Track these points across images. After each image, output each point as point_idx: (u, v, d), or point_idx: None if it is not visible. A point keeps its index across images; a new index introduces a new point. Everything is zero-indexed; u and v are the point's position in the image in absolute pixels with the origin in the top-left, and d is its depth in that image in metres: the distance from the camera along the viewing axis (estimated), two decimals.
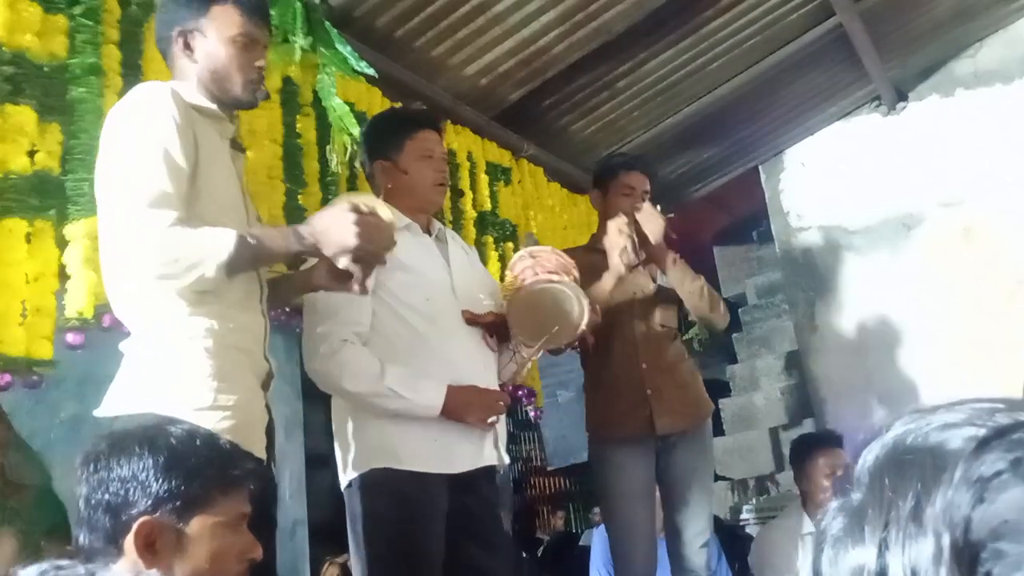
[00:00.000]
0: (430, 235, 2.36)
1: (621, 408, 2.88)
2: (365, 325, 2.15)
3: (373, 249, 1.75)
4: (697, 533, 2.91)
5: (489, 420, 2.21)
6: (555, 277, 2.29)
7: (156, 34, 1.92)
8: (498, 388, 2.34)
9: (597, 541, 4.06)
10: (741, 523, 4.87)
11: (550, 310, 2.27)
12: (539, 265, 2.30)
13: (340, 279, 1.86)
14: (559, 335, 2.31)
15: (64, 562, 1.11)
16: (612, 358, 2.90)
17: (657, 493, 2.98)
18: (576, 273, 2.36)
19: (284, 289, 2.04)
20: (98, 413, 1.65)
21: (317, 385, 2.17)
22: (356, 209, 1.71)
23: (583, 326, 2.30)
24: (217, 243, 1.61)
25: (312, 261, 1.94)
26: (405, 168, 2.32)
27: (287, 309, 2.38)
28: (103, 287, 2.05)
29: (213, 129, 1.82)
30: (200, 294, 1.66)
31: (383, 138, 2.38)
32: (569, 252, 3.08)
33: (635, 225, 2.79)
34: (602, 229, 2.98)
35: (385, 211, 1.84)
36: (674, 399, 2.90)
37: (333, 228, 1.70)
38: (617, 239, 2.74)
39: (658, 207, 2.84)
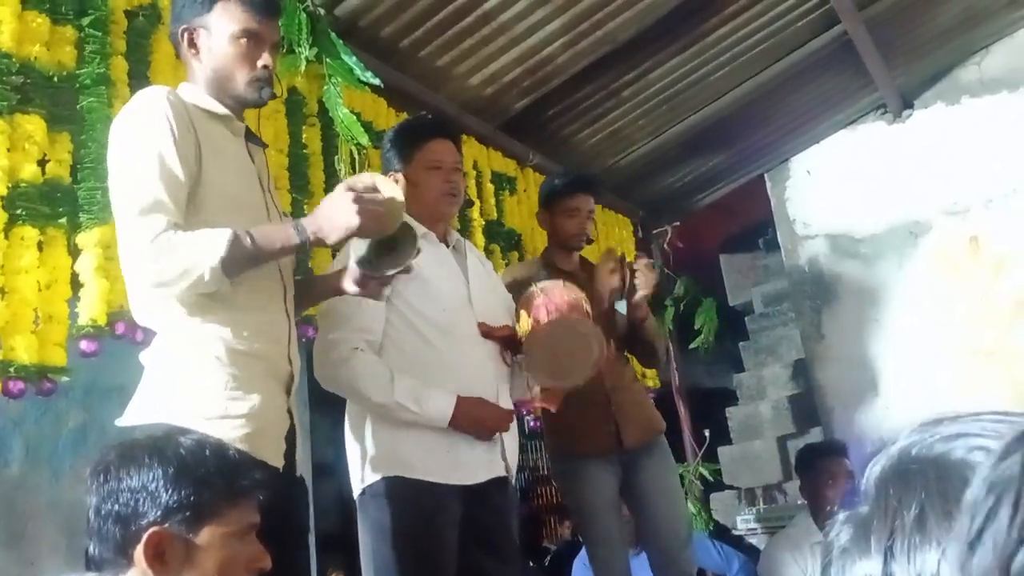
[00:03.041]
0: (447, 245, 2.36)
1: (588, 424, 2.89)
2: (377, 333, 2.16)
3: (376, 226, 1.70)
4: (680, 547, 2.92)
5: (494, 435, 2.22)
6: (571, 317, 2.28)
7: (169, 32, 1.91)
8: (510, 402, 2.34)
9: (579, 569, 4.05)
10: (748, 533, 4.85)
11: (565, 351, 2.26)
12: (551, 302, 2.30)
13: (362, 284, 1.85)
14: (573, 375, 2.30)
15: (91, 574, 1.12)
16: None
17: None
18: (588, 307, 2.36)
19: (309, 292, 2.03)
20: (119, 423, 1.65)
21: (327, 389, 2.17)
22: (353, 188, 1.66)
23: (598, 365, 2.29)
24: (209, 245, 1.59)
25: (335, 264, 1.93)
26: (415, 180, 2.32)
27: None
28: (115, 295, 2.06)
29: (222, 128, 1.81)
30: (210, 300, 1.65)
31: (396, 150, 2.39)
32: (523, 265, 3.14)
33: (624, 266, 2.83)
34: (551, 247, 3.07)
35: (388, 186, 1.77)
36: (635, 414, 2.96)
37: (332, 214, 1.66)
38: (609, 279, 2.78)
39: (655, 264, 2.88)
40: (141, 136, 1.67)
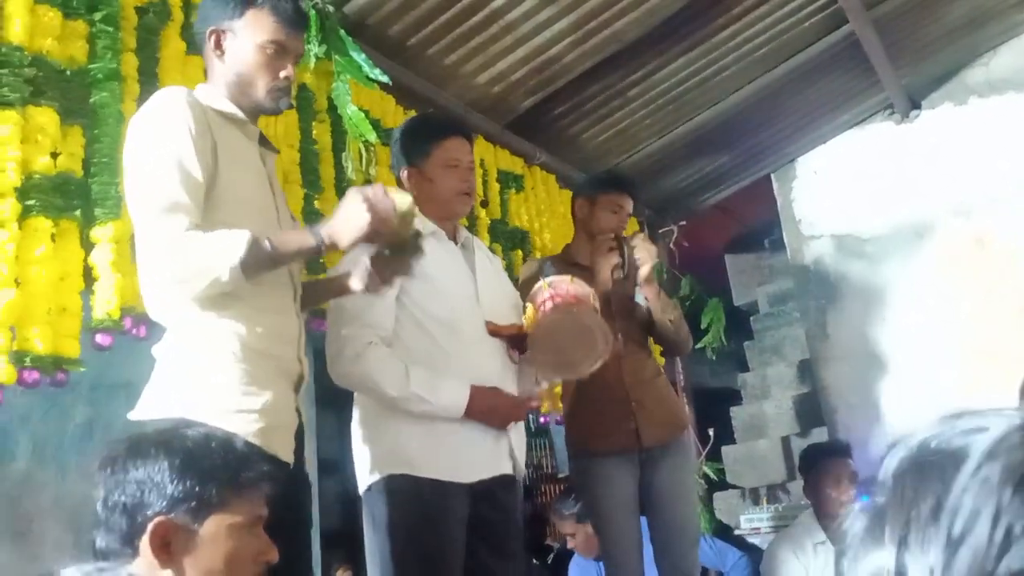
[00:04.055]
0: (456, 243, 2.36)
1: (607, 422, 2.88)
2: (388, 328, 2.16)
3: (386, 228, 1.71)
4: (689, 547, 2.92)
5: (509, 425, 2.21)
6: (576, 308, 2.27)
7: (194, 30, 1.93)
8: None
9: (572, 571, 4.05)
10: (752, 532, 4.85)
11: (569, 343, 2.25)
12: (557, 295, 2.29)
13: (372, 283, 1.87)
14: (578, 367, 2.28)
15: (105, 564, 1.12)
16: (596, 372, 2.89)
17: None
18: (596, 303, 2.35)
19: (318, 292, 2.06)
20: (131, 416, 1.66)
21: (341, 386, 2.17)
22: (364, 193, 1.69)
23: (603, 358, 2.26)
24: (229, 246, 1.61)
25: (341, 265, 1.95)
26: (431, 176, 2.31)
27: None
28: (129, 289, 2.08)
29: (238, 131, 1.83)
30: (226, 298, 1.66)
31: (411, 144, 2.37)
32: (539, 262, 3.13)
33: (624, 246, 2.83)
34: (579, 240, 3.05)
35: (401, 196, 1.79)
36: (656, 411, 2.93)
37: (344, 217, 1.69)
38: (607, 257, 2.77)
39: (650, 234, 2.87)
40: (161, 136, 1.69)
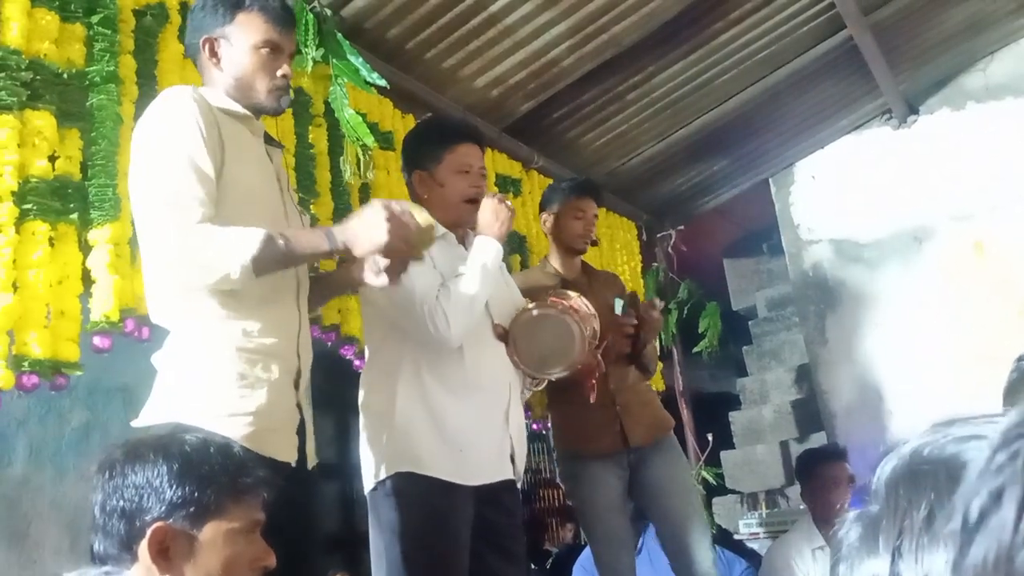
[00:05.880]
0: (465, 247, 2.37)
1: (594, 425, 2.92)
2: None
3: (404, 247, 1.74)
4: (698, 538, 2.92)
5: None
6: (560, 306, 2.29)
7: (186, 41, 1.95)
8: (520, 405, 2.36)
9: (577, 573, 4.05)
10: (751, 537, 4.85)
11: (548, 341, 2.28)
12: (558, 300, 2.31)
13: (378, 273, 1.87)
14: (551, 365, 2.31)
15: (108, 568, 1.12)
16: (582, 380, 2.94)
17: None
18: (596, 325, 2.36)
19: (327, 286, 2.07)
20: (134, 424, 1.66)
21: (459, 339, 2.16)
22: (388, 207, 1.71)
23: (574, 366, 2.30)
24: (243, 242, 1.61)
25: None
26: (441, 181, 2.32)
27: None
28: (128, 291, 2.07)
29: (243, 128, 1.84)
30: (226, 298, 1.67)
31: (423, 148, 2.37)
32: (533, 270, 3.19)
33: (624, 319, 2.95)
34: (554, 253, 3.12)
35: (422, 214, 1.83)
36: (641, 413, 2.99)
37: (364, 227, 1.71)
38: (623, 343, 2.92)
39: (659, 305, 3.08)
40: (170, 133, 1.70)
